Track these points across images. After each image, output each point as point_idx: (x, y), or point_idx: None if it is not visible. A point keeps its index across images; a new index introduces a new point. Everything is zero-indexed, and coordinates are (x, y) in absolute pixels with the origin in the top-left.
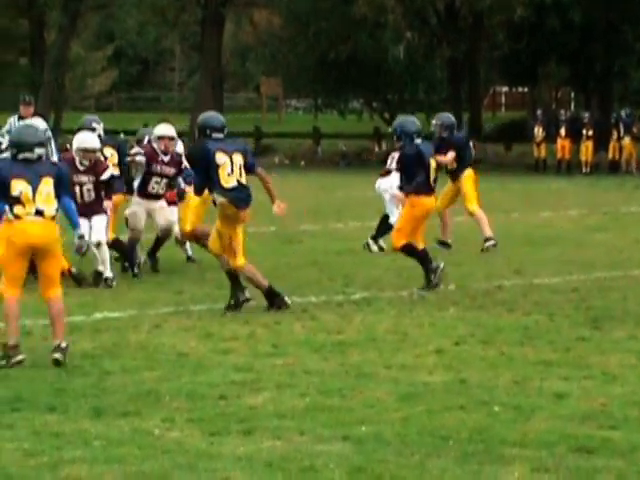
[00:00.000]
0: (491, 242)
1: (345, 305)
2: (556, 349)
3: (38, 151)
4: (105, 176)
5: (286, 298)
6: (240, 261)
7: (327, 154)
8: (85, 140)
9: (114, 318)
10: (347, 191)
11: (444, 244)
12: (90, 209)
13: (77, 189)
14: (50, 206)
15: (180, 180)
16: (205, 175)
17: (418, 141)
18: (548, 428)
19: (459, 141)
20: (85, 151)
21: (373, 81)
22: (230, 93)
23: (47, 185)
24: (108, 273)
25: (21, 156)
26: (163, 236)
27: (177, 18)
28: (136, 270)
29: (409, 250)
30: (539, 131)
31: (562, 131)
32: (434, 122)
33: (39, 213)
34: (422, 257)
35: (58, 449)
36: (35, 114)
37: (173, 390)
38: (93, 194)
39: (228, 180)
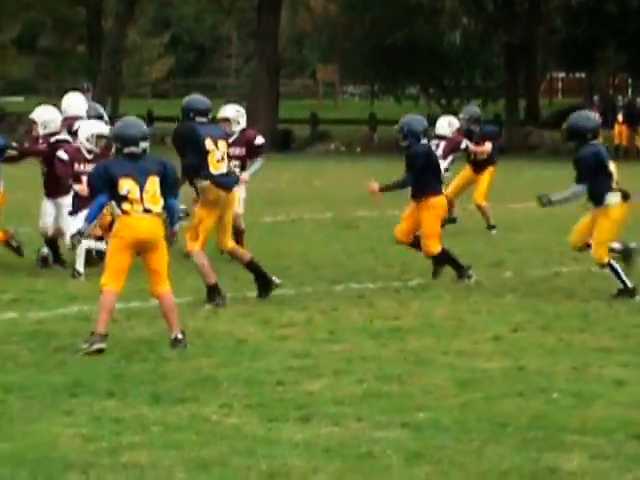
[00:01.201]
0: (495, 230)
1: (402, 291)
2: (615, 336)
3: (143, 145)
4: None
5: (221, 299)
6: (195, 246)
7: (383, 140)
8: (97, 126)
9: None
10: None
11: (452, 220)
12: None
13: (84, 179)
14: (156, 204)
15: None
16: (195, 157)
17: (424, 141)
18: (607, 415)
19: (494, 134)
20: (100, 137)
21: (429, 67)
22: (286, 80)
23: (153, 184)
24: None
25: (126, 150)
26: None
27: (233, 4)
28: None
29: (445, 257)
30: (596, 117)
31: (619, 117)
32: (461, 116)
33: (147, 211)
34: (453, 260)
35: (117, 435)
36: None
37: (231, 376)
38: None
39: (217, 166)
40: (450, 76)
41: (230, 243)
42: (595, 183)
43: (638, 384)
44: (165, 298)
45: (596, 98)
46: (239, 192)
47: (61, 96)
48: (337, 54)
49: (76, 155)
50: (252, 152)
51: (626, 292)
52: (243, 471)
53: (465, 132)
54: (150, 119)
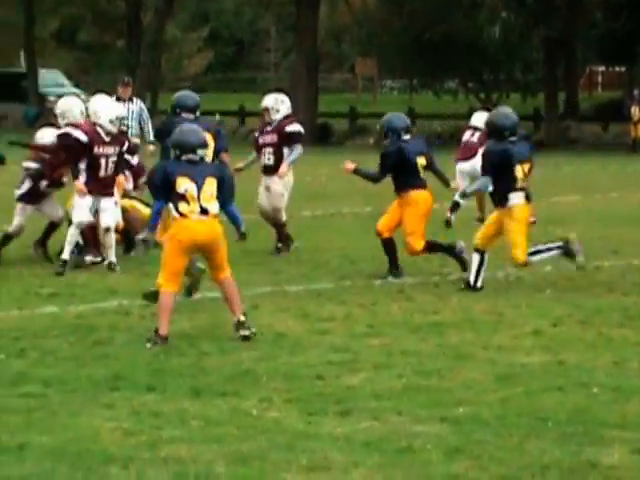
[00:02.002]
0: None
1: (441, 286)
2: None
3: (200, 152)
4: (126, 147)
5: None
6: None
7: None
8: (117, 107)
9: (211, 298)
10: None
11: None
12: (104, 187)
13: (103, 162)
14: (213, 205)
15: None
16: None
17: (406, 137)
18: None
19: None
20: (119, 119)
21: (468, 61)
22: (325, 74)
23: (211, 185)
24: (112, 258)
25: (184, 157)
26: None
27: None
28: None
29: (432, 247)
30: (636, 111)
31: None
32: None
33: (204, 211)
34: (440, 246)
35: (157, 429)
36: (133, 95)
37: (270, 370)
38: (113, 168)
39: None
40: (489, 70)
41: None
42: (499, 183)
43: None
44: (227, 284)
45: (636, 92)
46: (275, 185)
47: (101, 90)
48: (376, 48)
49: (95, 137)
50: (284, 140)
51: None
52: (283, 465)
53: None
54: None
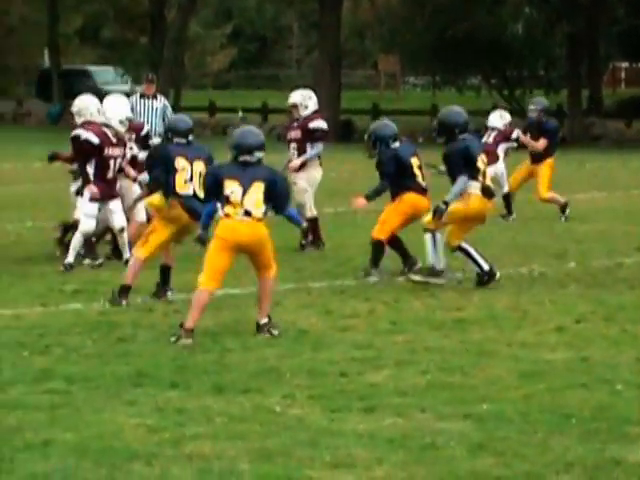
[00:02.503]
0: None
1: (464, 282)
2: None
3: (258, 154)
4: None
5: (122, 300)
6: (140, 252)
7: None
8: (126, 108)
9: (234, 295)
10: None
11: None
12: (111, 189)
13: (111, 163)
14: (257, 209)
15: None
16: (163, 177)
17: (396, 144)
18: None
19: (553, 129)
20: (128, 120)
21: (491, 58)
22: (348, 70)
23: (257, 190)
24: (127, 255)
25: (241, 158)
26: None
27: None
28: None
29: (394, 243)
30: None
31: None
32: (533, 107)
33: (247, 214)
34: (404, 252)
35: (181, 425)
36: (157, 92)
37: (294, 367)
38: (118, 169)
39: (184, 187)
40: (512, 66)
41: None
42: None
43: None
44: (263, 282)
45: None
46: (300, 180)
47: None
48: (398, 45)
49: (105, 139)
50: (307, 136)
51: (485, 275)
52: (306, 462)
53: (532, 123)
54: (212, 110)
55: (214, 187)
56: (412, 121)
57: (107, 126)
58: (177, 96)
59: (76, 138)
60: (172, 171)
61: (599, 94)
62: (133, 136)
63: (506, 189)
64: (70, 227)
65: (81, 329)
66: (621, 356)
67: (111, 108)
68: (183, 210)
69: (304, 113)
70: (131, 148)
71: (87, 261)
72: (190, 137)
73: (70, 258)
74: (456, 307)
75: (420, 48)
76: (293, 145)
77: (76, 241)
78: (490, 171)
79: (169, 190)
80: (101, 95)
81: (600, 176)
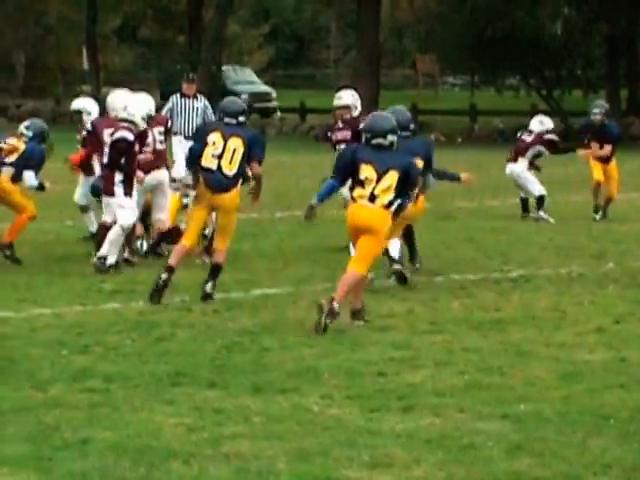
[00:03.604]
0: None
1: (503, 283)
2: None
3: (390, 138)
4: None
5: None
6: (183, 240)
7: (484, 131)
8: (150, 104)
9: (272, 295)
10: (504, 168)
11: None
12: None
13: (136, 159)
14: (385, 197)
15: None
16: (198, 148)
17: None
18: None
19: (618, 134)
20: (150, 117)
21: (530, 58)
22: (386, 70)
23: (391, 178)
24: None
25: (374, 141)
26: None
27: None
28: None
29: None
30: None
31: None
32: (597, 110)
33: (372, 200)
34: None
35: (219, 425)
36: (197, 92)
37: (332, 367)
38: None
39: (209, 161)
40: (551, 67)
41: (220, 245)
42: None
43: None
44: (348, 273)
45: None
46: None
47: (160, 86)
48: (436, 44)
49: (135, 135)
50: (356, 137)
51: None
52: (344, 462)
53: (592, 125)
54: (250, 109)
55: (345, 167)
56: (450, 121)
57: (127, 121)
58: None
59: (118, 141)
60: (203, 144)
61: (637, 94)
62: (162, 129)
63: (522, 193)
64: (168, 234)
65: (120, 328)
66: None
67: (133, 104)
68: (204, 186)
69: (355, 114)
70: (161, 142)
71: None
72: (241, 118)
73: (111, 258)
74: (495, 307)
75: (458, 48)
76: (341, 147)
77: (115, 236)
78: (512, 168)
79: (192, 161)
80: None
81: (639, 176)
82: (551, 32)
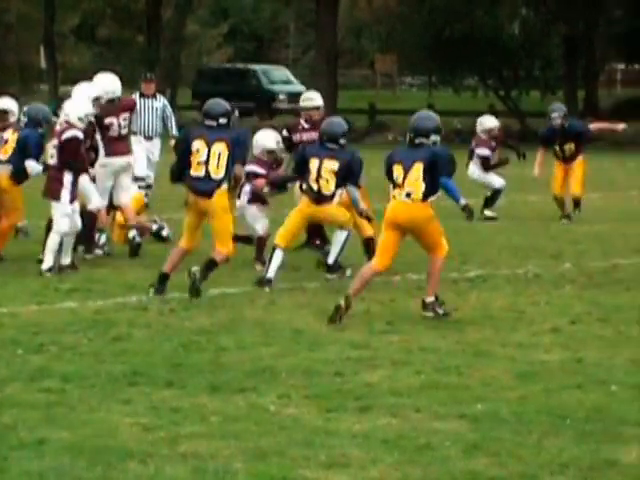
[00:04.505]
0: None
1: (460, 283)
2: None
3: (433, 137)
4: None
5: (160, 290)
6: (180, 242)
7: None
8: (88, 105)
9: (230, 294)
10: (462, 168)
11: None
12: None
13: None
14: (417, 190)
15: None
16: (182, 160)
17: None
18: None
19: (582, 129)
20: (87, 116)
21: (488, 58)
22: (344, 70)
23: (417, 171)
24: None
25: (417, 141)
26: None
27: None
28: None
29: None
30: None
31: None
32: (556, 114)
33: (408, 195)
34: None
35: (176, 424)
36: (156, 92)
37: (289, 366)
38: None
39: (196, 169)
40: (509, 67)
41: (220, 248)
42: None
43: None
44: (431, 262)
45: None
46: None
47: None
48: (395, 44)
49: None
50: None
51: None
52: (301, 461)
53: (559, 129)
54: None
55: (387, 171)
56: (408, 121)
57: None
58: (173, 95)
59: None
60: (189, 154)
61: (595, 95)
62: (126, 115)
63: (488, 192)
64: (245, 238)
65: (76, 327)
66: (616, 357)
67: (70, 104)
68: (192, 192)
69: (320, 115)
70: (124, 127)
71: (88, 255)
72: (221, 120)
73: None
74: (452, 307)
75: (417, 48)
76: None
77: (53, 244)
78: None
79: (176, 176)
80: (270, 97)
81: (597, 177)
82: (509, 33)
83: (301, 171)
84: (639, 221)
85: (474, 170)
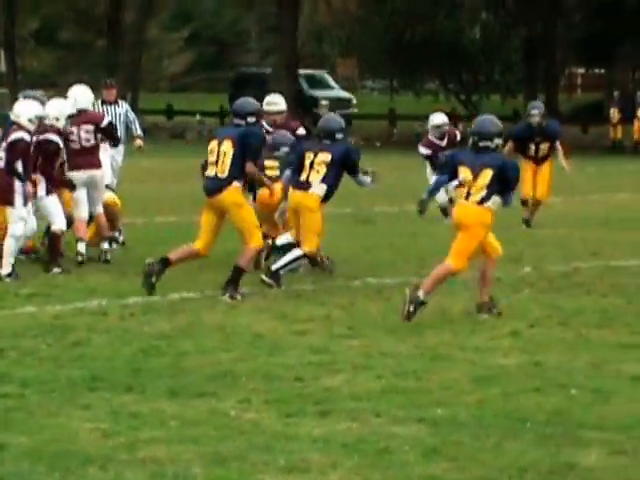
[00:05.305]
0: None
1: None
2: (634, 332)
3: (497, 141)
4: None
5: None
6: (196, 243)
7: (403, 135)
8: (37, 107)
9: (190, 298)
10: (422, 172)
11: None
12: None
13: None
14: (478, 194)
15: None
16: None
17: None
18: (626, 411)
19: (560, 130)
20: (38, 117)
21: (449, 62)
22: None
23: (485, 177)
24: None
25: (481, 144)
26: None
27: None
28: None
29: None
30: (615, 113)
31: (639, 112)
32: (535, 112)
33: (467, 197)
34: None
35: (135, 429)
36: (118, 97)
37: (249, 371)
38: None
39: (209, 169)
40: (469, 71)
41: (246, 246)
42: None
43: None
44: (484, 265)
45: (615, 94)
46: None
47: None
48: (356, 48)
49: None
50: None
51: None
52: (261, 466)
53: (537, 127)
54: (169, 114)
55: (448, 168)
56: (370, 125)
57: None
58: (134, 99)
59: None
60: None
61: (555, 99)
62: (90, 127)
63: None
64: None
65: (36, 332)
66: (575, 361)
67: (21, 105)
68: (205, 192)
69: (283, 119)
70: (88, 140)
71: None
72: (250, 119)
73: (5, 269)
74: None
75: (377, 52)
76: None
77: (10, 249)
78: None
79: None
80: (311, 102)
81: (556, 181)
82: (470, 37)
83: (299, 168)
84: (599, 225)
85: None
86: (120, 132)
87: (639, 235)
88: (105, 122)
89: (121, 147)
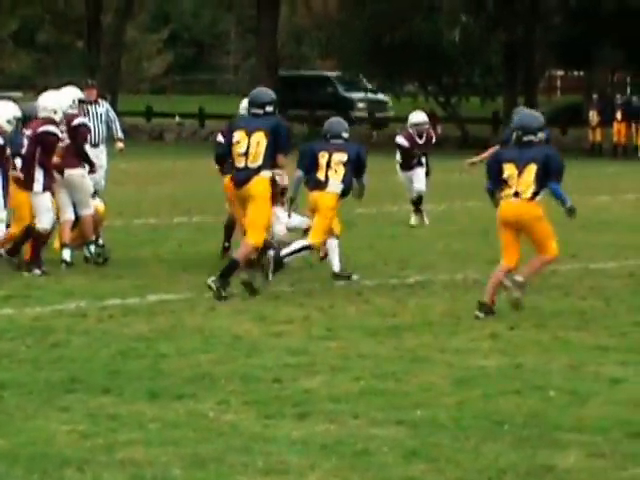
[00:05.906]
0: None
1: (399, 289)
2: (612, 334)
3: (540, 135)
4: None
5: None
6: (249, 239)
7: (382, 137)
8: (14, 108)
9: (169, 300)
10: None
11: None
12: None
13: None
14: (527, 189)
15: None
16: (225, 149)
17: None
18: (604, 413)
19: (549, 134)
20: (16, 119)
21: (428, 64)
22: None
23: (530, 172)
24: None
25: (525, 138)
26: None
27: (232, 0)
28: None
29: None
30: (594, 115)
31: (618, 115)
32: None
33: (516, 195)
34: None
35: (113, 431)
36: (98, 97)
37: (228, 373)
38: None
39: (239, 160)
40: (448, 74)
41: (248, 238)
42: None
43: (634, 382)
44: (536, 257)
45: (595, 96)
46: None
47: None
48: (335, 50)
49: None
50: None
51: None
52: (239, 468)
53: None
54: (148, 115)
55: (492, 170)
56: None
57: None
58: (113, 100)
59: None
60: (231, 144)
61: (535, 101)
62: (63, 127)
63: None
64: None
65: (14, 334)
66: (553, 363)
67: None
68: (233, 184)
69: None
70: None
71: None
72: (268, 108)
73: None
74: (391, 313)
75: (357, 53)
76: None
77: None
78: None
79: (228, 166)
80: (347, 105)
81: None
82: (449, 39)
83: (309, 168)
84: (578, 228)
85: (411, 173)
86: (102, 131)
87: (618, 237)
88: (76, 121)
89: (103, 147)
